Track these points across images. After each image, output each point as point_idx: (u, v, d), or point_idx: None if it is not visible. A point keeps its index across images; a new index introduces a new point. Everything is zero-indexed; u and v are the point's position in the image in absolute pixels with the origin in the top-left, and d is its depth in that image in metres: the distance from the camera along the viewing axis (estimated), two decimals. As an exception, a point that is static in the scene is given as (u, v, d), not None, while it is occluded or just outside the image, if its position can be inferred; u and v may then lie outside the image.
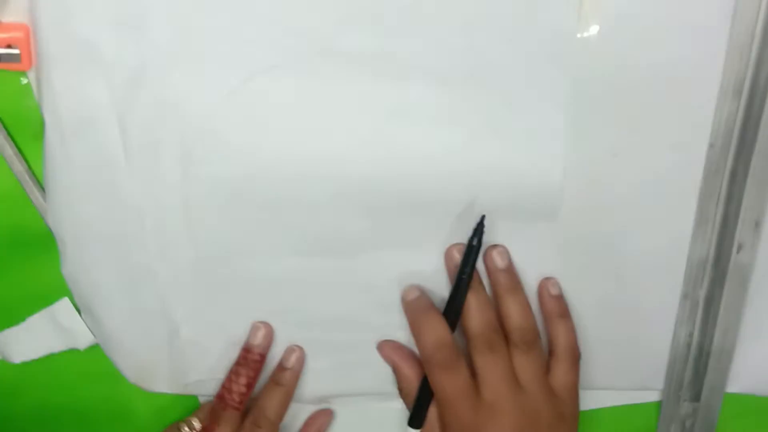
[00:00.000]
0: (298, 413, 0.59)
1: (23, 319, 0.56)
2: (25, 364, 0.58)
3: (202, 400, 0.59)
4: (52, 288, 0.55)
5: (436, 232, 0.50)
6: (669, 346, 0.54)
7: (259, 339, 0.54)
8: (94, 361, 0.57)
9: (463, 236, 0.50)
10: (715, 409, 0.55)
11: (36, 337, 0.57)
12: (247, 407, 0.55)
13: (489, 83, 0.46)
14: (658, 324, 0.53)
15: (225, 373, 0.55)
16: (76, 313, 0.56)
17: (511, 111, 0.47)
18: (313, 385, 0.57)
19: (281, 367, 0.55)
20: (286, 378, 0.55)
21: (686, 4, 0.44)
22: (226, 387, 0.54)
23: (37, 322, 0.56)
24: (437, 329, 0.49)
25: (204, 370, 0.56)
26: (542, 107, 0.47)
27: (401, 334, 0.54)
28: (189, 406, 0.56)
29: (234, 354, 0.55)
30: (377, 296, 0.53)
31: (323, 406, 0.58)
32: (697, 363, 0.54)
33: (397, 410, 0.56)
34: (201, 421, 0.55)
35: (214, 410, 0.54)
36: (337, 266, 0.52)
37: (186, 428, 0.55)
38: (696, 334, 0.53)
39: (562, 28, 0.45)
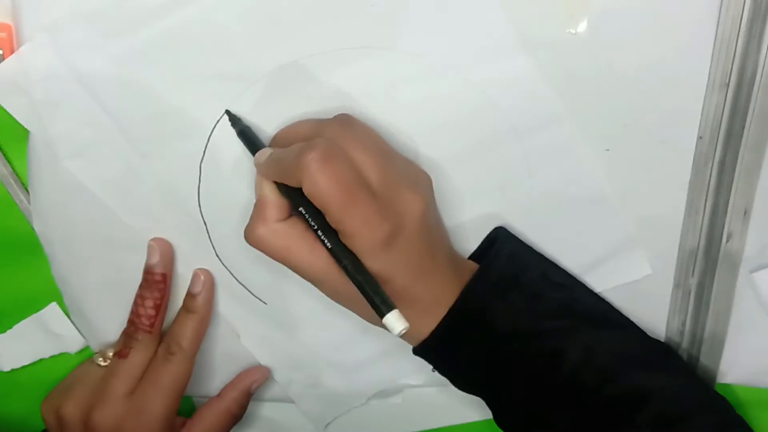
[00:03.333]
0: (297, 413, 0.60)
1: (11, 326, 0.57)
2: (15, 368, 0.58)
3: (195, 400, 0.60)
4: (39, 293, 0.55)
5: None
6: (663, 335, 0.55)
7: (155, 258, 0.52)
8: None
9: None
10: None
11: (25, 344, 0.57)
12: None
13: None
14: (651, 313, 0.54)
15: (218, 376, 0.56)
16: (66, 317, 0.56)
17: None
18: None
19: (190, 294, 0.54)
20: (197, 304, 0.53)
21: None
22: (134, 312, 0.53)
23: (25, 328, 0.57)
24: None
25: (195, 370, 0.56)
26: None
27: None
28: (182, 406, 0.56)
29: (226, 357, 0.56)
30: None
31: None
32: (690, 350, 0.55)
33: (396, 406, 0.58)
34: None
35: (126, 334, 0.54)
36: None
37: (100, 358, 0.54)
38: (688, 322, 0.54)
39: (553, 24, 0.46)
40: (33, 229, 0.53)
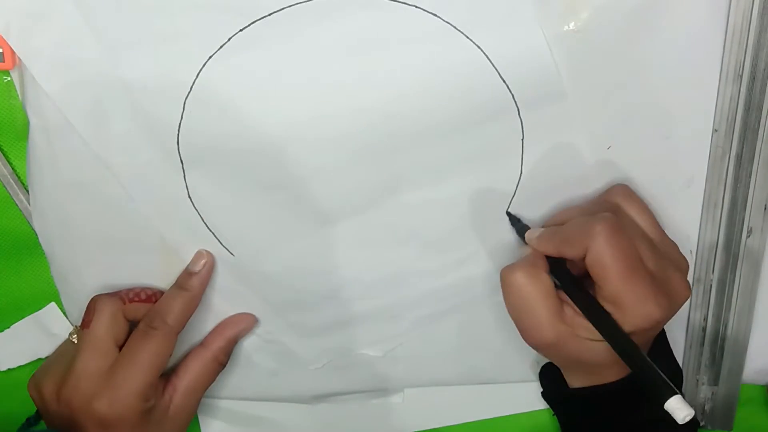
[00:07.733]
0: (300, 412, 0.60)
1: (9, 326, 0.57)
2: (12, 368, 0.59)
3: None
4: (38, 293, 0.56)
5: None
6: (684, 330, 0.55)
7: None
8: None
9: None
10: (734, 392, 0.57)
11: (23, 344, 0.57)
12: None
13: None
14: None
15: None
16: (65, 318, 0.57)
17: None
18: (310, 384, 0.58)
19: (188, 272, 0.53)
20: (192, 283, 0.53)
21: None
22: (127, 290, 0.53)
23: (23, 328, 0.57)
24: None
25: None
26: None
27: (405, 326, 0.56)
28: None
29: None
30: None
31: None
32: (713, 347, 0.55)
33: (396, 406, 0.59)
34: None
35: (92, 301, 0.52)
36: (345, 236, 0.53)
37: (74, 335, 0.53)
38: (710, 318, 0.54)
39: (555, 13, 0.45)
40: (33, 229, 0.53)
